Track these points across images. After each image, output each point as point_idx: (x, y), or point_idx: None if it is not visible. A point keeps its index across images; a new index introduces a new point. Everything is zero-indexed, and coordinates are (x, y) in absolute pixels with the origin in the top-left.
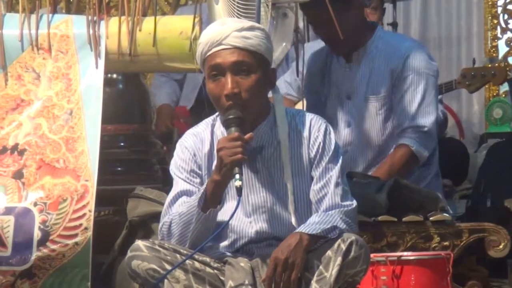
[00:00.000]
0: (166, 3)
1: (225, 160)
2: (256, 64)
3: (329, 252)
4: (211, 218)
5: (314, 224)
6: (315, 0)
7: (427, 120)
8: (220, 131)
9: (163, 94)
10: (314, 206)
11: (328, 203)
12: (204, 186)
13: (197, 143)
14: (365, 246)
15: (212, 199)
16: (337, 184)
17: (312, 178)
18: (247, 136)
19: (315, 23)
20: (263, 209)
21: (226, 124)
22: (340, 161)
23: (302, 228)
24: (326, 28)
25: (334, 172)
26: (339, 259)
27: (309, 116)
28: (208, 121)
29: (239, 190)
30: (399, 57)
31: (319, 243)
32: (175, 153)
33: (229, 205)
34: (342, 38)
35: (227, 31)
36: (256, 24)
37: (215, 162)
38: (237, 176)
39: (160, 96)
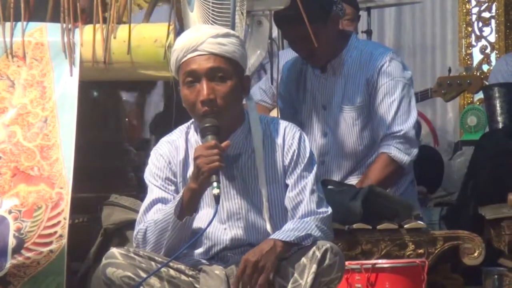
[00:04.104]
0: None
1: (202, 168)
2: (231, 71)
3: (304, 260)
4: (187, 226)
5: (288, 231)
6: (291, 16)
7: (403, 126)
8: (194, 138)
9: None
10: (290, 213)
11: (303, 210)
12: (181, 194)
13: (172, 150)
14: (340, 253)
15: (189, 207)
16: (312, 191)
17: (286, 186)
18: (223, 144)
19: (292, 39)
20: (238, 216)
21: (203, 133)
22: (315, 168)
23: (277, 235)
24: (304, 43)
25: (309, 179)
26: (314, 266)
27: (283, 124)
28: (182, 128)
29: (217, 198)
30: (373, 66)
31: (293, 250)
32: (149, 161)
33: (204, 212)
34: (320, 53)
35: (202, 37)
36: (231, 31)
37: (189, 170)
38: (215, 184)
39: None
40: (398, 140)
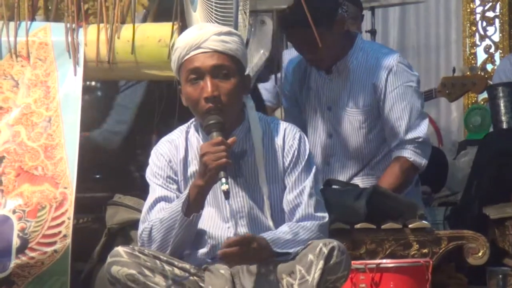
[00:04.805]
0: None
1: (210, 165)
2: (234, 69)
3: (310, 256)
4: (193, 223)
5: (283, 241)
6: (296, 19)
7: (420, 131)
8: (195, 137)
9: None
10: (287, 215)
11: (301, 213)
12: (187, 191)
13: (172, 150)
14: (346, 252)
15: (196, 204)
16: (311, 195)
17: (285, 186)
18: (230, 140)
19: (297, 42)
20: (241, 214)
21: (208, 129)
22: (313, 170)
23: (270, 237)
24: (309, 47)
25: (308, 182)
26: (321, 262)
27: (283, 125)
28: (182, 128)
29: (226, 194)
30: (380, 71)
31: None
32: (150, 160)
33: (206, 211)
34: (325, 56)
35: (206, 34)
36: (233, 30)
37: (190, 169)
38: (223, 180)
39: None
40: (415, 144)
